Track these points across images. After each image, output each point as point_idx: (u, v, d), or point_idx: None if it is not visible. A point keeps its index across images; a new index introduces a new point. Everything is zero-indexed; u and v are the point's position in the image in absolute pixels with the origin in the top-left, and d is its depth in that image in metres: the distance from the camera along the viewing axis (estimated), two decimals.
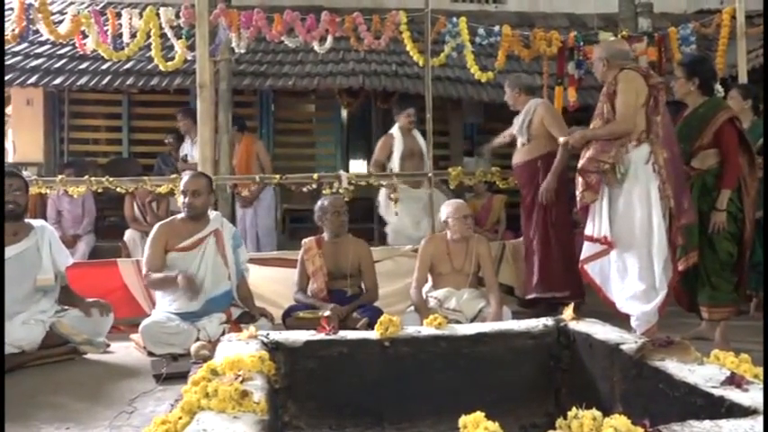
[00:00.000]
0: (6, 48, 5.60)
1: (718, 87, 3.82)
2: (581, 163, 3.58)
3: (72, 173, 5.82)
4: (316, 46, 5.17)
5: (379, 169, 5.30)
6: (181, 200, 3.77)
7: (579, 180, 3.58)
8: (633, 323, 3.45)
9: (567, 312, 2.63)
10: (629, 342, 2.22)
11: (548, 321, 2.62)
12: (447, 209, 4.09)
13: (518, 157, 4.58)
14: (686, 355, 2.02)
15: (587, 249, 3.64)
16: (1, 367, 2.92)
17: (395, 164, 5.25)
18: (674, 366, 1.95)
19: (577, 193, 3.62)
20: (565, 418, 1.49)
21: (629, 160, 3.46)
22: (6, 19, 4.98)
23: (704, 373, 1.87)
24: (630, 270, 3.48)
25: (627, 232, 3.48)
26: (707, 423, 1.47)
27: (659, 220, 3.43)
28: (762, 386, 1.77)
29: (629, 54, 3.91)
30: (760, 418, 1.52)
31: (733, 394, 1.69)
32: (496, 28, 5.42)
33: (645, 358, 2.04)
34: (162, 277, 3.64)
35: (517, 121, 4.57)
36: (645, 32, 5.60)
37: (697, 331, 3.68)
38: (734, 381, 1.76)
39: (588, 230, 3.64)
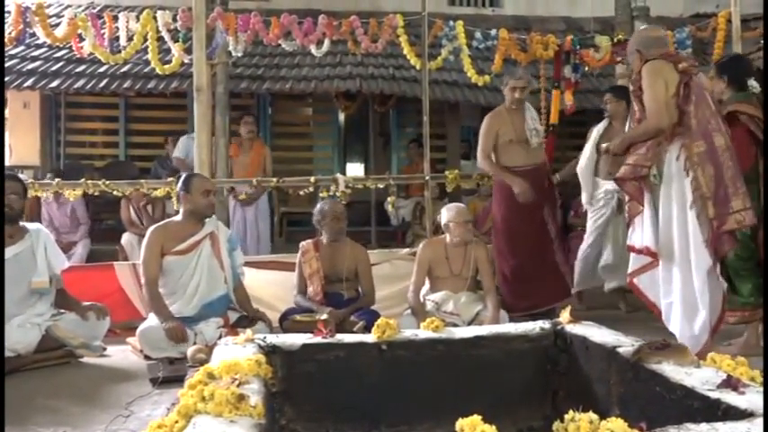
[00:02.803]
0: None
1: (753, 83, 3.60)
2: (619, 172, 3.32)
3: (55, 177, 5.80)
4: (313, 49, 5.17)
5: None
6: (201, 200, 3.70)
7: (623, 192, 3.39)
8: None
9: (564, 315, 2.64)
10: (626, 345, 2.22)
11: (544, 324, 2.62)
12: (448, 213, 4.06)
13: (532, 158, 4.33)
14: (683, 358, 2.02)
15: (634, 261, 3.35)
16: (1, 370, 2.91)
17: (585, 156, 4.76)
18: (670, 369, 1.95)
19: (626, 206, 3.43)
20: (562, 420, 1.49)
21: (663, 160, 3.18)
22: None
23: (701, 376, 1.87)
24: (674, 284, 3.18)
25: (668, 240, 3.17)
26: (703, 426, 1.47)
27: (696, 224, 3.11)
28: (759, 389, 1.77)
29: (664, 39, 3.54)
30: (757, 421, 1.52)
31: (729, 397, 1.69)
32: (493, 31, 5.43)
33: (642, 361, 2.04)
34: (155, 307, 3.59)
35: (530, 120, 4.34)
36: None
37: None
38: (730, 383, 1.76)
39: (630, 241, 3.36)
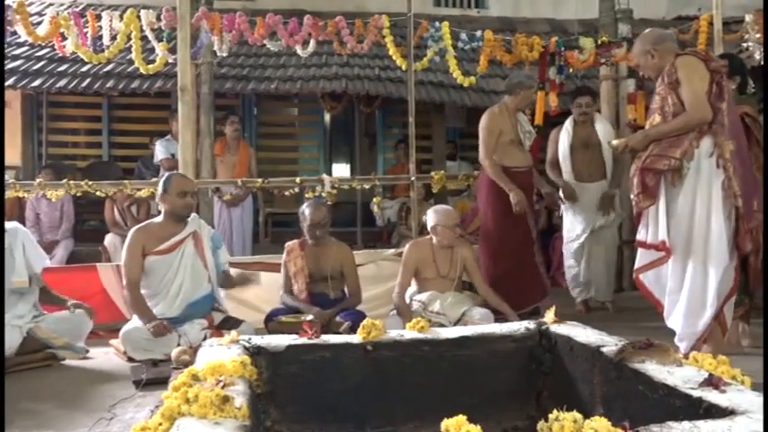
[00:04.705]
0: None
1: (750, 82, 3.70)
2: (645, 161, 3.16)
3: (50, 173, 5.76)
4: (298, 50, 5.16)
5: (554, 168, 4.87)
6: (178, 201, 3.68)
7: (635, 181, 3.19)
8: (676, 341, 3.16)
9: (549, 315, 2.65)
10: (610, 344, 2.24)
11: (529, 324, 2.64)
12: (436, 216, 4.06)
13: (527, 160, 4.41)
14: (665, 357, 2.04)
15: (642, 257, 3.27)
16: (1, 369, 2.87)
17: (561, 157, 4.83)
18: (653, 368, 1.97)
19: (632, 196, 3.25)
20: (546, 420, 1.50)
21: (693, 155, 3.10)
22: None
23: (683, 375, 1.89)
24: (685, 280, 3.14)
25: (683, 236, 3.12)
26: (685, 424, 1.49)
27: (720, 222, 3.07)
28: (740, 387, 1.79)
29: (673, 36, 3.54)
30: (737, 419, 1.54)
31: (711, 395, 1.71)
32: (479, 33, 5.45)
33: (625, 360, 2.06)
34: (137, 309, 3.57)
35: (523, 123, 4.43)
36: (624, 38, 5.66)
37: None
38: (712, 382, 1.78)
39: (641, 236, 3.26)
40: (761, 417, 1.53)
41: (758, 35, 5.05)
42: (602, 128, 4.84)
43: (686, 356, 2.11)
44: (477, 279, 4.07)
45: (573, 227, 4.81)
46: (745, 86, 3.69)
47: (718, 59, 3.32)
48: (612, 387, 2.12)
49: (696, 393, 1.74)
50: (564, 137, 4.85)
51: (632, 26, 6.06)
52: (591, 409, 2.12)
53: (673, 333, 3.30)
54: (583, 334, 2.44)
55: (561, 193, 4.77)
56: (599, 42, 5.42)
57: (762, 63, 5.12)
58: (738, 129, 3.21)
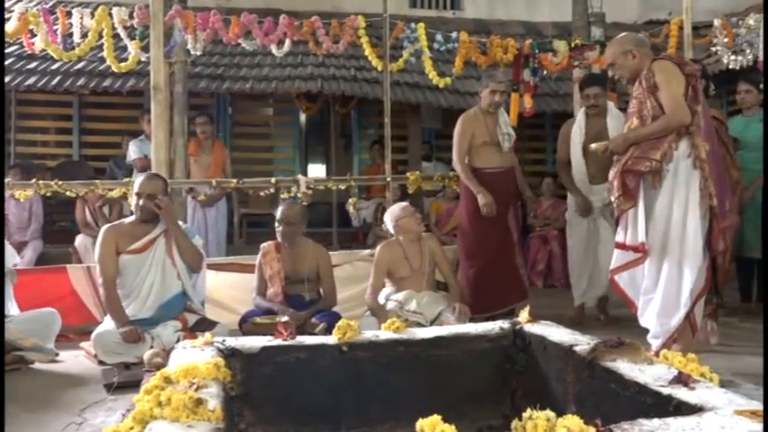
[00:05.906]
0: None
1: (711, 86, 3.82)
2: (626, 164, 3.20)
3: (18, 173, 5.65)
4: (273, 49, 5.13)
5: (565, 170, 4.56)
6: (134, 202, 3.66)
7: (615, 184, 3.23)
8: (649, 339, 3.23)
9: (523, 315, 2.68)
10: (583, 344, 2.27)
11: (504, 324, 2.66)
12: (394, 213, 4.08)
13: (504, 161, 4.36)
14: (637, 356, 2.07)
15: (618, 258, 3.31)
16: (1, 369, 2.81)
17: (574, 159, 4.47)
18: (624, 367, 2.00)
19: (613, 199, 3.30)
20: (520, 419, 1.51)
21: (672, 157, 3.16)
22: None
23: (653, 373, 1.92)
24: (660, 280, 3.21)
25: (660, 237, 3.19)
26: (656, 421, 1.51)
27: (696, 223, 3.15)
28: (708, 384, 1.83)
29: (648, 42, 3.58)
30: (706, 415, 1.57)
31: (680, 393, 1.75)
32: (454, 34, 5.48)
33: (597, 359, 2.09)
34: (111, 309, 3.53)
35: (503, 124, 4.36)
36: (597, 41, 5.75)
37: None
38: (681, 379, 1.82)
39: (620, 237, 3.31)
40: (728, 413, 1.57)
41: (726, 39, 5.16)
42: (613, 122, 4.35)
43: (657, 355, 2.16)
44: (445, 270, 4.10)
45: (578, 232, 4.52)
46: (707, 90, 3.79)
47: (692, 63, 3.41)
48: (585, 385, 2.15)
49: (666, 391, 1.77)
50: (576, 133, 4.48)
51: (605, 29, 6.16)
52: (564, 407, 2.15)
53: (644, 332, 3.33)
54: (556, 333, 2.46)
55: (573, 204, 4.50)
56: (572, 45, 5.48)
57: (729, 67, 5.24)
58: (711, 130, 3.30)
